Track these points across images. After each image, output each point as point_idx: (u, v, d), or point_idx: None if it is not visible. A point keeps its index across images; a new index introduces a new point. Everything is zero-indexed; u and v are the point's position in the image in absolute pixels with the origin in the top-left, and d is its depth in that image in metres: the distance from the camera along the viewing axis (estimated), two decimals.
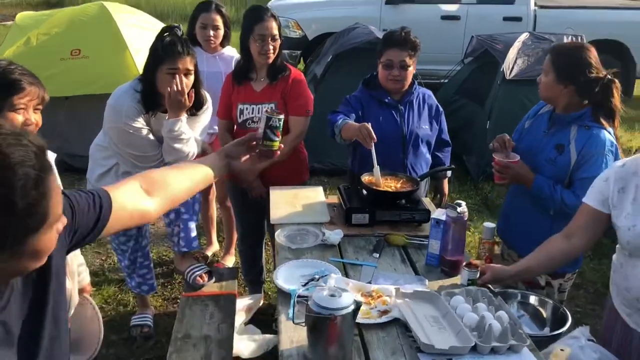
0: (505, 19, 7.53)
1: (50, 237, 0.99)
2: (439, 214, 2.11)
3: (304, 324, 1.61)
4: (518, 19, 7.55)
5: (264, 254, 3.39)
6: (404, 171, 2.74)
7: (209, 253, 3.85)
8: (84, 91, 4.95)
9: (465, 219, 2.02)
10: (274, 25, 2.78)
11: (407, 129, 2.77)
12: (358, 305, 1.57)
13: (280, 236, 2.32)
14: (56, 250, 1.07)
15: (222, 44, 3.42)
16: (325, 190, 2.85)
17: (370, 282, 1.98)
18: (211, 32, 3.32)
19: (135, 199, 1.34)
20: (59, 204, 1.00)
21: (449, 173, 3.06)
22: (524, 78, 5.20)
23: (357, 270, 2.10)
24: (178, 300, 3.44)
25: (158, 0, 14.40)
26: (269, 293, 3.49)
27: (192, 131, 2.60)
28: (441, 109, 2.92)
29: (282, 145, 1.67)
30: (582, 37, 5.33)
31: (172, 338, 2.31)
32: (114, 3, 5.64)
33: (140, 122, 2.53)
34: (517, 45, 5.38)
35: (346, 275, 2.06)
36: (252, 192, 2.97)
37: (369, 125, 2.44)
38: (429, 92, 2.92)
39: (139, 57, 5.05)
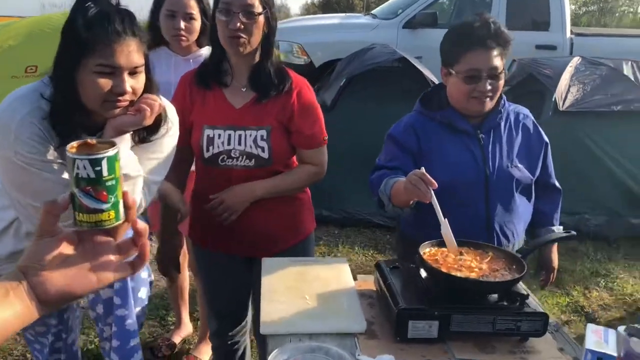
0: (539, 47, 6.69)
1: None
2: (592, 342, 1.06)
3: None
4: (553, 47, 6.75)
5: (248, 350, 2.29)
6: (488, 236, 1.74)
7: (178, 339, 2.74)
8: None
9: None
10: None
11: (492, 168, 1.76)
12: None
13: None
14: None
15: (199, 43, 2.33)
16: (337, 246, 1.78)
17: None
18: (182, 24, 2.22)
19: None
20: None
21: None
22: (580, 109, 4.32)
23: None
24: None
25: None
26: None
27: (140, 168, 1.55)
28: (546, 137, 1.91)
29: (127, 220, 0.79)
30: None
31: None
32: None
33: (42, 151, 1.42)
34: (569, 70, 4.48)
35: None
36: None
37: (422, 170, 1.47)
38: (525, 111, 1.91)
39: None
